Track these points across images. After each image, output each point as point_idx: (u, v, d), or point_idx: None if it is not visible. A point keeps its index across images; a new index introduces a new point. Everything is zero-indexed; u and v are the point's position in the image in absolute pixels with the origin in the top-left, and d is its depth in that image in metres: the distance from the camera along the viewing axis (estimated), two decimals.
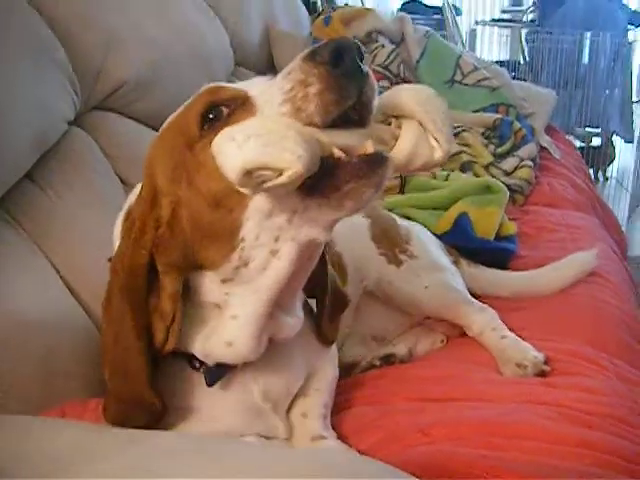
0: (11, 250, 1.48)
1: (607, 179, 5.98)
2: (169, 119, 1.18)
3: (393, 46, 3.22)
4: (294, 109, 0.99)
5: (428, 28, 3.51)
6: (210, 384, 1.18)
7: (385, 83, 3.01)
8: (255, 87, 1.10)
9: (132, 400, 1.13)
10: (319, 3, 4.47)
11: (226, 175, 0.96)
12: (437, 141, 1.09)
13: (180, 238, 1.10)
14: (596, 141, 6.08)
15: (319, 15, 3.77)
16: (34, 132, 1.58)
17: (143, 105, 2.09)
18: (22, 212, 1.57)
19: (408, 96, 1.11)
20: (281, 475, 0.78)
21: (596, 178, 5.81)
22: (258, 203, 1.03)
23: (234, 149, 0.94)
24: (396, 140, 1.09)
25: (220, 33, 2.70)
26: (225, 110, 1.07)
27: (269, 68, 3.22)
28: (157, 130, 2.09)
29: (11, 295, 1.40)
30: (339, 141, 1.00)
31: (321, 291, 1.32)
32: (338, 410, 1.40)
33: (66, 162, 1.73)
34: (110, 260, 1.24)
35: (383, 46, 3.19)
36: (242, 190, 0.98)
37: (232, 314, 1.13)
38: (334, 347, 1.43)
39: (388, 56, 3.12)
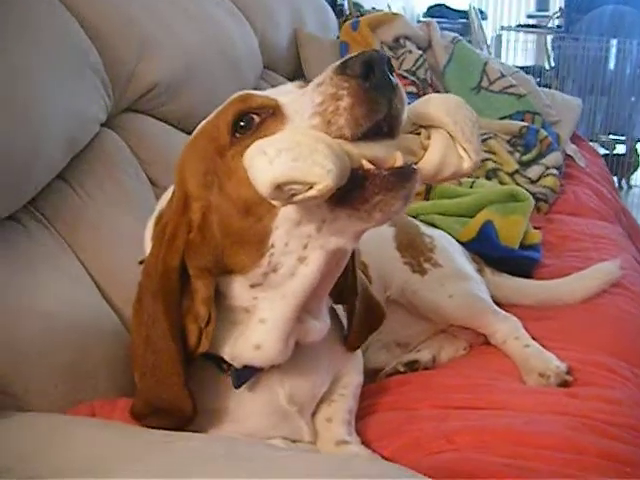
0: (43, 249, 1.50)
1: (631, 187, 5.95)
2: (200, 125, 1.19)
3: (420, 52, 3.23)
4: (324, 122, 1.00)
5: (455, 34, 3.52)
6: (237, 386, 1.20)
7: (412, 89, 3.02)
8: (285, 96, 1.12)
9: (164, 402, 1.14)
10: (346, 6, 4.48)
11: (257, 188, 0.97)
12: (466, 151, 1.10)
13: (211, 243, 1.11)
14: (620, 148, 6.06)
15: (346, 19, 3.79)
16: (67, 133, 1.60)
17: (173, 107, 2.10)
18: (54, 212, 1.58)
19: (437, 106, 1.12)
20: (309, 477, 0.79)
21: (620, 186, 5.79)
22: (287, 212, 1.05)
23: (265, 163, 0.95)
24: (425, 150, 1.10)
25: (249, 37, 2.72)
26: (256, 118, 1.09)
27: (297, 71, 3.23)
28: (187, 133, 2.14)
29: (42, 294, 1.41)
30: (368, 153, 1.01)
31: (350, 297, 1.33)
32: (362, 415, 1.42)
33: (97, 163, 1.75)
34: (141, 263, 1.26)
35: (410, 52, 3.20)
36: (273, 202, 1.00)
37: (260, 318, 1.15)
38: (359, 353, 1.45)
39: (415, 62, 3.13)
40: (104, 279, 1.58)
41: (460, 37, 3.48)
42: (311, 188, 0.93)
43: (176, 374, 1.11)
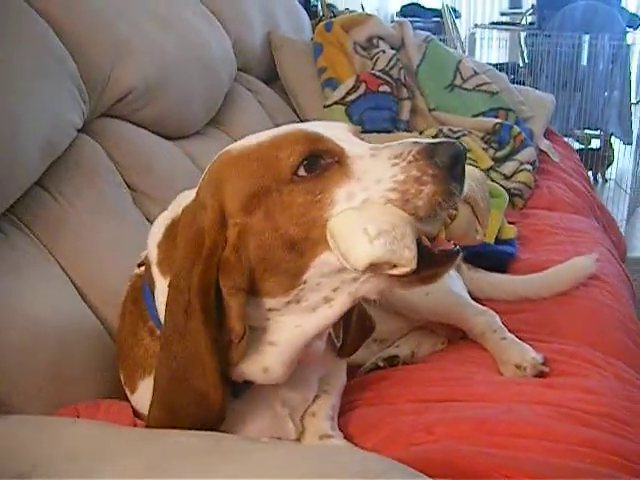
0: (23, 256, 1.50)
1: (606, 181, 6.01)
2: (249, 144, 1.17)
3: (394, 52, 3.24)
4: (403, 200, 1.04)
5: (428, 33, 3.53)
6: (237, 396, 1.21)
7: (386, 88, 3.04)
8: (349, 143, 1.13)
9: (193, 418, 1.13)
10: (319, 8, 4.49)
11: (348, 260, 1.03)
12: (481, 226, 1.18)
13: (245, 264, 1.11)
14: (595, 143, 6.11)
15: (320, 20, 3.80)
16: (44, 140, 1.60)
17: (150, 112, 2.11)
18: (33, 219, 1.59)
19: (473, 188, 1.18)
20: (295, 473, 0.81)
21: (595, 180, 5.84)
22: (331, 258, 1.08)
23: (366, 242, 1.01)
24: (452, 220, 1.18)
25: (223, 39, 2.72)
26: (322, 162, 1.10)
27: (271, 73, 3.24)
28: (163, 136, 2.15)
29: (23, 300, 1.42)
30: (424, 228, 1.07)
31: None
32: (344, 411, 1.44)
33: (75, 169, 1.75)
34: (140, 266, 1.27)
35: (384, 52, 3.21)
36: (351, 270, 1.05)
37: (270, 340, 1.16)
38: None
39: (389, 61, 3.14)
40: (85, 284, 1.59)
41: (433, 36, 3.49)
42: (395, 267, 1.02)
43: (218, 390, 1.11)
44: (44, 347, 1.39)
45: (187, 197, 1.22)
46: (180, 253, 1.13)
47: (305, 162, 1.09)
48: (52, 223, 1.61)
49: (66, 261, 1.59)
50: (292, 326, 1.15)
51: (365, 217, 1.04)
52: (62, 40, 1.76)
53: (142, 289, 1.28)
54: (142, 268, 1.32)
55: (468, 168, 1.15)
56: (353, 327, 1.36)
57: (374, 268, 1.03)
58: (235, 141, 2.54)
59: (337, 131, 1.16)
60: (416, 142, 1.08)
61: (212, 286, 1.10)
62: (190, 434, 1.04)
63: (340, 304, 1.14)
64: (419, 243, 1.06)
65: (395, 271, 1.02)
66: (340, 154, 1.10)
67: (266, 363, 1.17)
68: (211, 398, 1.11)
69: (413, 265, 1.01)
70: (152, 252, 1.25)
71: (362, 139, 1.19)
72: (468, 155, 2.69)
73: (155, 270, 1.23)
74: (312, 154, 1.09)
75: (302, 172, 1.09)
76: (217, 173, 1.17)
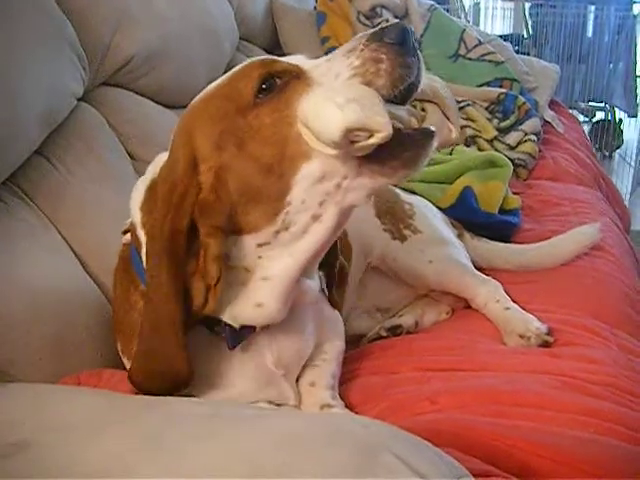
0: (24, 225, 1.50)
1: (611, 155, 5.97)
2: (209, 90, 1.20)
3: (397, 20, 3.20)
4: (364, 83, 1.06)
5: (432, 2, 3.49)
6: (232, 347, 1.20)
7: None
8: (305, 62, 1.17)
9: (160, 365, 1.13)
10: None
11: (325, 134, 1.02)
12: (452, 124, 1.17)
13: (225, 202, 1.11)
14: (599, 116, 6.07)
15: None
16: (43, 108, 1.59)
17: (150, 80, 2.10)
18: (34, 188, 1.58)
19: (433, 87, 1.18)
20: (294, 438, 0.81)
21: (602, 154, 5.81)
22: (311, 168, 1.08)
23: (336, 110, 1.01)
24: (422, 121, 1.17)
25: (225, 7, 2.70)
26: (278, 81, 1.12)
27: (273, 42, 3.21)
28: (164, 105, 2.14)
29: (25, 270, 1.42)
30: (395, 113, 1.09)
31: (332, 259, 1.35)
32: (345, 380, 1.44)
33: (75, 138, 1.75)
34: (125, 232, 1.26)
35: (387, 20, 3.17)
36: (331, 152, 1.05)
37: (263, 276, 1.16)
38: (340, 319, 1.46)
39: None
40: (86, 252, 1.59)
41: (437, 5, 3.46)
42: (371, 137, 1.02)
43: (175, 335, 1.11)
44: (45, 316, 1.39)
45: (163, 157, 1.23)
46: (157, 208, 1.14)
47: (264, 85, 1.11)
48: (53, 192, 1.61)
49: (66, 230, 1.58)
50: (285, 256, 1.15)
51: (331, 92, 1.05)
52: (61, 7, 1.74)
53: (131, 256, 1.28)
54: (127, 235, 1.31)
55: (427, 74, 1.17)
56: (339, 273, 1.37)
57: (351, 136, 1.02)
58: None
59: (292, 58, 1.20)
60: (364, 33, 1.11)
61: (183, 231, 1.10)
62: (191, 402, 1.04)
63: (330, 218, 1.13)
64: (393, 128, 1.05)
65: (373, 140, 1.02)
66: (296, 70, 1.13)
67: (259, 299, 1.17)
68: (172, 345, 1.11)
69: (389, 129, 1.01)
70: (135, 215, 1.25)
71: None
72: (472, 125, 2.70)
73: (140, 232, 1.23)
74: (267, 75, 1.12)
75: (263, 95, 1.11)
76: (184, 124, 1.19)
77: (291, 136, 1.08)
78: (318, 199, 1.10)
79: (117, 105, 1.96)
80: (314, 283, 1.26)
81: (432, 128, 1.12)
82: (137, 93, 2.08)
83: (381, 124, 1.01)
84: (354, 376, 1.46)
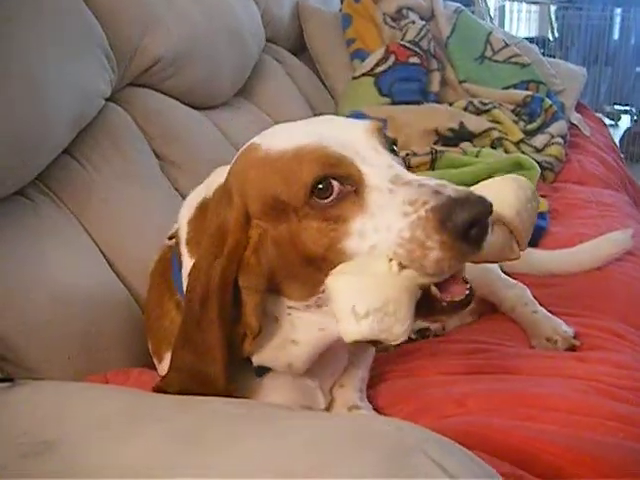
0: (52, 225, 1.50)
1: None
2: (274, 148, 1.10)
3: (423, 22, 3.20)
4: (409, 258, 0.97)
5: (458, 4, 3.49)
6: (260, 376, 1.21)
7: (416, 60, 3.00)
8: (372, 171, 1.05)
9: (202, 386, 1.11)
10: None
11: (339, 329, 1.02)
12: (518, 245, 1.11)
13: (264, 268, 1.09)
14: (625, 119, 6.03)
15: None
16: (72, 108, 1.60)
17: (177, 81, 2.10)
18: (62, 187, 1.59)
19: (511, 206, 1.08)
20: (325, 439, 0.80)
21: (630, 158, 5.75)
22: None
23: (353, 321, 0.98)
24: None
25: (252, 10, 2.70)
26: (335, 187, 1.03)
27: (300, 44, 3.22)
28: (191, 106, 2.15)
29: (52, 268, 1.42)
30: (434, 280, 1.02)
31: None
32: (373, 384, 1.43)
33: (103, 137, 1.75)
34: (170, 238, 1.28)
35: (414, 22, 3.17)
36: None
37: (293, 338, 1.16)
38: None
39: (419, 32, 3.10)
40: (112, 251, 1.59)
41: (463, 7, 3.46)
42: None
43: (220, 375, 1.10)
44: (73, 315, 1.40)
45: (221, 175, 1.18)
46: (204, 243, 1.12)
47: (320, 185, 1.03)
48: (79, 190, 1.61)
49: (93, 229, 1.59)
50: (315, 328, 1.14)
51: (358, 291, 1.00)
52: (91, 9, 1.75)
53: (171, 261, 1.28)
54: (173, 240, 1.31)
55: (521, 182, 1.12)
56: None
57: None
58: (263, 113, 2.51)
59: (358, 135, 1.10)
60: (437, 192, 0.97)
61: (231, 283, 1.08)
62: (224, 401, 1.04)
63: None
64: (428, 293, 1.05)
65: (387, 342, 1.00)
66: (359, 182, 1.04)
67: (290, 360, 1.18)
68: (216, 386, 1.10)
69: (402, 338, 0.99)
70: (182, 229, 1.25)
71: (385, 138, 1.12)
72: (498, 127, 2.68)
73: (184, 249, 1.23)
74: (325, 177, 1.03)
75: (318, 197, 1.03)
76: (242, 169, 1.13)
77: (336, 246, 1.03)
78: None
79: (144, 105, 1.97)
80: None
81: (467, 299, 1.10)
82: (165, 94, 2.08)
83: (396, 335, 0.98)
84: (382, 379, 1.46)
